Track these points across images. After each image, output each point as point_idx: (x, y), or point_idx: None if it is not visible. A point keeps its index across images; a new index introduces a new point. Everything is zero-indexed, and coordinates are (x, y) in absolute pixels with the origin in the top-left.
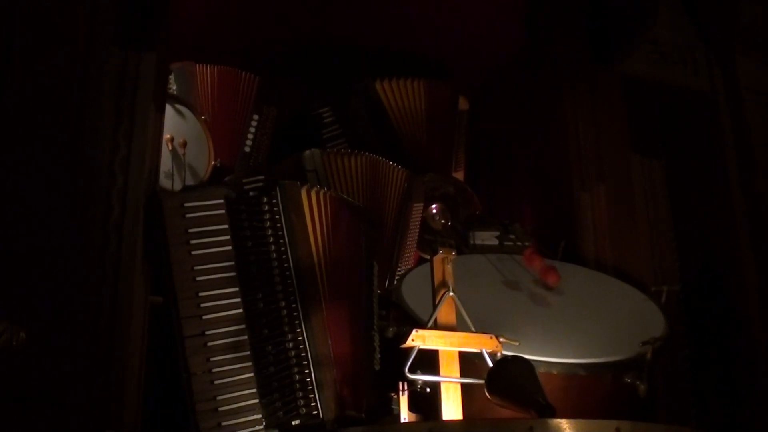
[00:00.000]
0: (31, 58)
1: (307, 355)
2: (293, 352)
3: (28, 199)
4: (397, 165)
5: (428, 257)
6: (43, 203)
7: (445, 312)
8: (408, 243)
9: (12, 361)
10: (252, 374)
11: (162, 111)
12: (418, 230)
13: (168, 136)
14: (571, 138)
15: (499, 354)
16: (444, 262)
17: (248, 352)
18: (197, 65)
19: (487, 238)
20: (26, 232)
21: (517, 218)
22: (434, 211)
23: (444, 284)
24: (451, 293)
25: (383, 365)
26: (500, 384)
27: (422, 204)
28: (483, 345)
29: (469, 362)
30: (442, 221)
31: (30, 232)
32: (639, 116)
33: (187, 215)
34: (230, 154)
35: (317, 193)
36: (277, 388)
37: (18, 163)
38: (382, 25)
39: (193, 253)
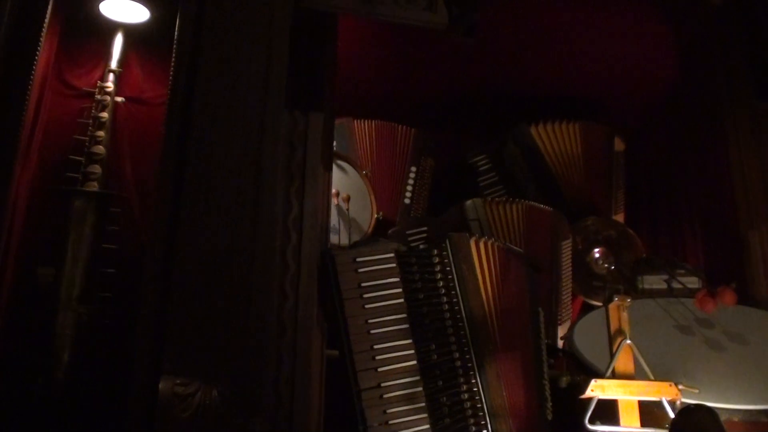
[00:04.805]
0: (212, 119)
1: (482, 405)
2: (468, 404)
3: (212, 262)
4: (548, 207)
5: (596, 303)
6: (226, 265)
7: (623, 360)
8: (564, 285)
9: (205, 419)
10: (428, 426)
11: (329, 169)
12: (570, 270)
13: (333, 191)
14: (736, 176)
15: (678, 402)
16: (619, 310)
17: (423, 404)
18: (355, 120)
19: (655, 281)
20: (211, 293)
21: (681, 259)
22: (597, 255)
23: (621, 332)
24: (629, 341)
25: (555, 415)
26: None
27: (570, 241)
28: (662, 393)
29: (647, 411)
30: (606, 265)
31: (214, 293)
32: None
33: (360, 270)
34: (391, 207)
35: (485, 244)
36: None
37: (203, 227)
38: (536, 72)
39: (367, 306)
